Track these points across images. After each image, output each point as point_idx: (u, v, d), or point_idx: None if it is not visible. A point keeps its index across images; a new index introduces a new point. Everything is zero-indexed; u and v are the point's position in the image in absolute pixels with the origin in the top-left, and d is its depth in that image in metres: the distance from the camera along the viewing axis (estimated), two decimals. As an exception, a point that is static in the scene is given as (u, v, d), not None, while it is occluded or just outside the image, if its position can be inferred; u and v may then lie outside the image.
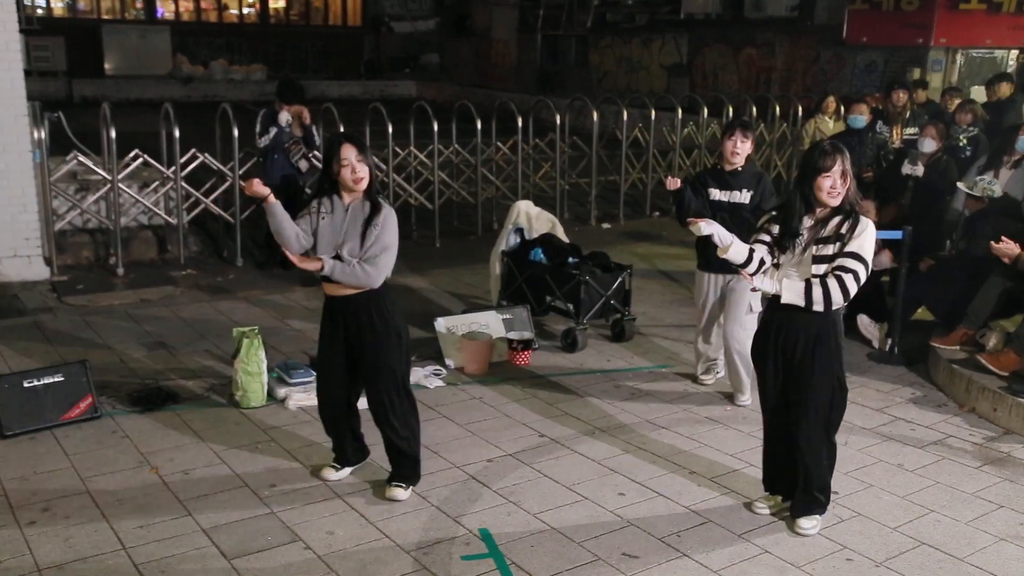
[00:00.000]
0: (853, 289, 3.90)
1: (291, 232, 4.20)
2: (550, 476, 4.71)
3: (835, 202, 3.90)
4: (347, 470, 4.63)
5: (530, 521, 4.25)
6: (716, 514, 4.35)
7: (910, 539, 4.19)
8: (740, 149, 5.34)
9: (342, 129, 9.14)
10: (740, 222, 5.16)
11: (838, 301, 3.92)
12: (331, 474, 4.60)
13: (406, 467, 4.49)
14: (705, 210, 5.34)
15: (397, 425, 4.40)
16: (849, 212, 3.92)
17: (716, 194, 5.47)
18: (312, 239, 4.24)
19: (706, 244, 4.96)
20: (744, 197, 5.43)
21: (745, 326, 5.40)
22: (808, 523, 4.22)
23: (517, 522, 4.24)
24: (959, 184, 7.10)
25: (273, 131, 7.98)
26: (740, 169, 5.42)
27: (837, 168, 3.86)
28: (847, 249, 3.88)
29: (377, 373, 4.35)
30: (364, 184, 4.16)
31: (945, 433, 5.38)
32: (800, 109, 12.67)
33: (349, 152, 4.10)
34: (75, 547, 3.94)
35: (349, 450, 4.63)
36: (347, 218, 4.19)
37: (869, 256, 3.91)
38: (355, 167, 4.10)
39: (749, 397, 5.58)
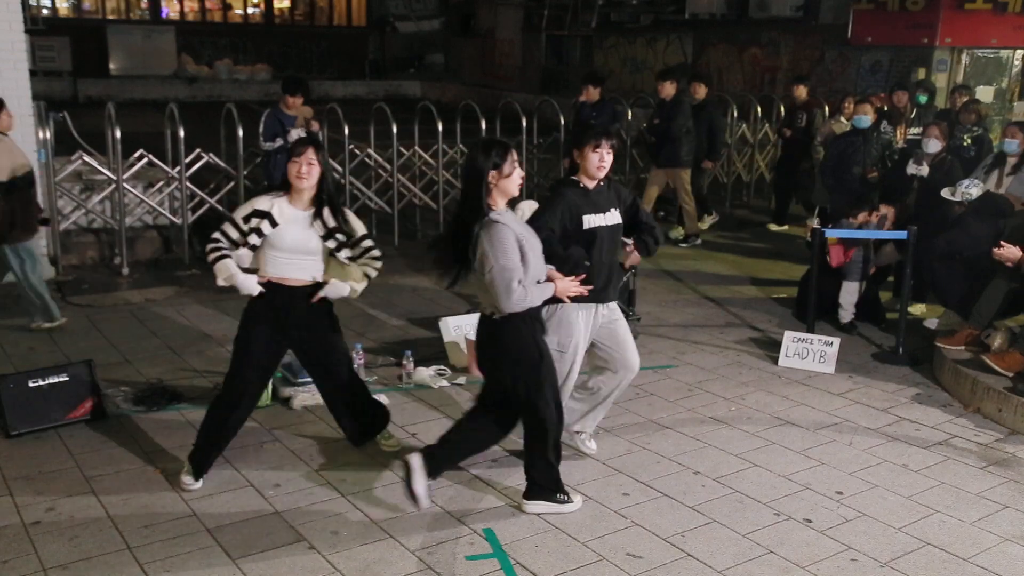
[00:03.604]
0: None
1: None
2: (554, 476, 4.71)
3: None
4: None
5: (534, 521, 4.25)
6: (721, 514, 4.35)
7: (915, 539, 4.18)
8: (606, 162, 4.49)
9: (346, 130, 9.16)
10: (614, 247, 4.62)
11: None
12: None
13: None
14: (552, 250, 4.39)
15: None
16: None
17: (592, 220, 4.49)
18: None
19: (576, 269, 4.39)
20: (617, 217, 4.61)
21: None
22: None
23: (521, 522, 4.24)
24: (943, 192, 7.07)
25: (279, 142, 7.99)
26: (602, 185, 4.57)
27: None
28: None
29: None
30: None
31: (950, 433, 5.37)
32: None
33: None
34: (80, 546, 3.95)
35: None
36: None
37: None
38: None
39: None
